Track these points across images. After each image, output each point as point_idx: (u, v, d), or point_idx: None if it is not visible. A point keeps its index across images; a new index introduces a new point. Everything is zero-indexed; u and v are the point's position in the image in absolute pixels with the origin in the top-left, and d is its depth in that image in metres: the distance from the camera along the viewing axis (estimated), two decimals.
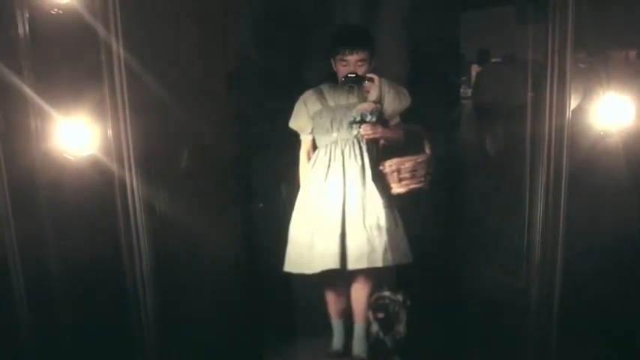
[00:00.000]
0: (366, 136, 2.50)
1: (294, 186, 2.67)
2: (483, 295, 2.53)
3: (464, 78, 3.09)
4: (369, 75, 2.49)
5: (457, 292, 2.74)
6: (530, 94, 2.09)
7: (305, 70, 2.80)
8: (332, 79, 2.58)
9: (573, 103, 1.79)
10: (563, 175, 1.82)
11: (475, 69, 3.05)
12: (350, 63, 2.48)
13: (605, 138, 1.84)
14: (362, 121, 2.49)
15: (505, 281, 2.34)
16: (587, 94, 1.91)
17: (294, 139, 2.68)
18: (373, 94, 2.51)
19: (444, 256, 2.77)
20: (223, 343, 2.53)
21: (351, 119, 2.50)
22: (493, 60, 2.98)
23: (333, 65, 2.55)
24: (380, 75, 2.52)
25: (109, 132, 1.93)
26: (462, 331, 2.62)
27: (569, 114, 1.77)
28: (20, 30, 1.98)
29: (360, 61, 2.48)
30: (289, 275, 2.59)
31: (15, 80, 1.95)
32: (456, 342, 2.65)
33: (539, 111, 1.86)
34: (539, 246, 1.94)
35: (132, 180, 1.97)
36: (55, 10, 1.95)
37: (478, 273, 2.63)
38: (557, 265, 1.90)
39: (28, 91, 1.97)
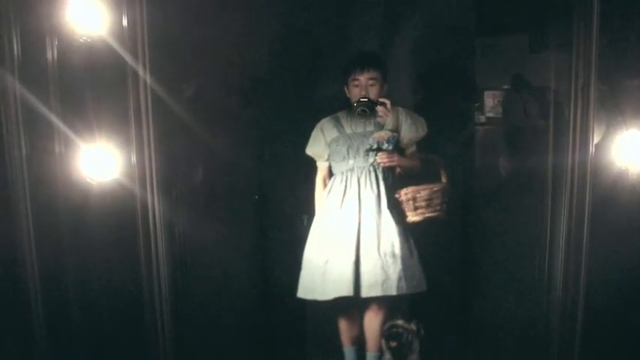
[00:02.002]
0: (382, 164, 2.51)
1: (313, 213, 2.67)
2: (500, 326, 2.51)
3: (477, 104, 3.11)
4: (381, 99, 2.51)
5: (472, 322, 2.72)
6: (549, 125, 2.09)
7: (323, 98, 2.82)
8: (349, 107, 2.60)
9: (596, 137, 1.80)
10: (586, 208, 1.81)
11: (489, 96, 3.07)
12: (362, 83, 2.51)
13: (629, 172, 1.84)
14: (378, 149, 2.50)
15: (523, 313, 2.32)
16: (610, 128, 1.92)
17: (312, 165, 2.69)
18: (390, 122, 2.52)
19: (459, 285, 2.76)
20: None
21: (368, 147, 2.51)
22: (507, 87, 2.99)
23: (347, 92, 2.58)
24: (396, 103, 2.55)
25: (133, 158, 1.95)
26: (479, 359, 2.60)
27: (592, 149, 1.78)
28: (49, 56, 2.01)
29: (372, 79, 2.51)
30: (303, 301, 2.58)
31: (41, 105, 1.98)
32: None
33: (560, 143, 1.87)
34: (561, 279, 1.93)
35: (154, 205, 1.98)
36: (84, 37, 1.98)
37: (494, 303, 2.60)
38: (580, 298, 1.89)
39: (54, 116, 1.99)
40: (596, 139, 1.81)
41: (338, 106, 2.65)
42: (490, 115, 3.06)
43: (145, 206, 1.97)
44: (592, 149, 1.80)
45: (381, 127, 2.54)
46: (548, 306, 2.02)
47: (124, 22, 1.91)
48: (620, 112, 1.88)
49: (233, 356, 2.49)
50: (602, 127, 1.87)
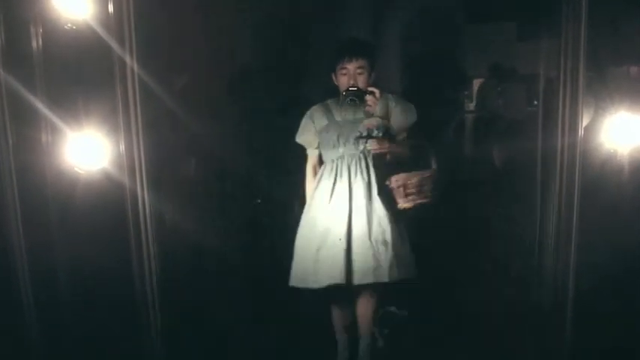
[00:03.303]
0: (373, 151, 2.51)
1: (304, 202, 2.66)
2: (491, 310, 2.52)
3: (466, 92, 3.11)
4: (370, 88, 2.49)
5: (464, 307, 2.72)
6: (538, 110, 2.10)
7: (313, 86, 2.81)
8: (339, 94, 2.59)
9: (585, 120, 1.81)
10: (576, 191, 1.82)
11: (479, 84, 3.07)
12: (349, 71, 2.49)
13: (617, 154, 1.85)
14: (368, 137, 2.50)
15: (515, 296, 2.34)
16: (598, 111, 1.94)
17: (301, 153, 2.68)
18: (379, 110, 2.52)
19: (450, 271, 2.76)
20: (228, 354, 2.51)
21: (358, 134, 2.51)
22: (498, 74, 2.99)
23: (335, 80, 2.56)
24: (385, 90, 2.53)
25: (122, 146, 1.93)
26: (470, 347, 2.61)
27: (581, 131, 1.79)
28: (34, 44, 1.99)
29: (360, 68, 2.49)
30: (295, 289, 2.57)
31: (27, 94, 1.95)
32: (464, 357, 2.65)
33: (549, 126, 1.88)
34: (553, 261, 1.94)
35: (143, 193, 1.96)
36: (69, 25, 1.95)
37: (487, 288, 2.61)
38: (570, 280, 1.90)
39: (40, 105, 1.96)
40: (584, 122, 1.83)
41: (327, 94, 2.64)
42: (481, 102, 3.07)
43: (134, 194, 1.96)
44: (581, 132, 1.81)
45: (370, 114, 2.54)
46: (540, 288, 2.03)
47: (110, 9, 1.88)
48: (608, 96, 1.90)
49: (224, 343, 2.48)
50: (590, 111, 1.88)
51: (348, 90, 2.46)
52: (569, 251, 1.89)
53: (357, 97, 2.46)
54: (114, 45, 1.87)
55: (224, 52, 2.61)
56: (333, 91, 2.60)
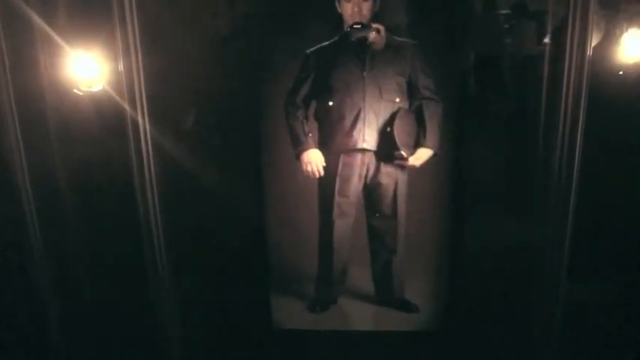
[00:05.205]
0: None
1: None
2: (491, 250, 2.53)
3: (475, 28, 3.03)
4: (375, 25, 2.45)
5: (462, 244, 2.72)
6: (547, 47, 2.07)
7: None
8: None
9: (594, 40, 1.77)
10: (581, 116, 1.80)
11: (484, 18, 2.99)
12: None
13: (626, 73, 1.82)
14: None
15: (515, 232, 2.35)
16: (608, 31, 1.89)
17: None
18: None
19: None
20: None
21: None
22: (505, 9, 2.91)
23: (338, 7, 2.50)
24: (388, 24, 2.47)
25: (120, 66, 1.90)
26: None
27: (589, 52, 1.75)
28: None
29: None
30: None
31: (24, 10, 1.91)
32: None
33: (558, 50, 1.84)
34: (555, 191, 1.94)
35: (143, 115, 1.95)
36: None
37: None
38: (569, 219, 1.91)
39: (37, 19, 1.92)
40: (594, 41, 1.79)
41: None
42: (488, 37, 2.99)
43: (134, 117, 1.94)
44: (589, 52, 1.77)
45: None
46: (543, 221, 2.04)
47: None
48: (618, 15, 1.85)
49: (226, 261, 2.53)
50: (601, 26, 1.83)
51: (352, 27, 2.42)
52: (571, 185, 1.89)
53: (362, 32, 2.42)
54: None
55: None
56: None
